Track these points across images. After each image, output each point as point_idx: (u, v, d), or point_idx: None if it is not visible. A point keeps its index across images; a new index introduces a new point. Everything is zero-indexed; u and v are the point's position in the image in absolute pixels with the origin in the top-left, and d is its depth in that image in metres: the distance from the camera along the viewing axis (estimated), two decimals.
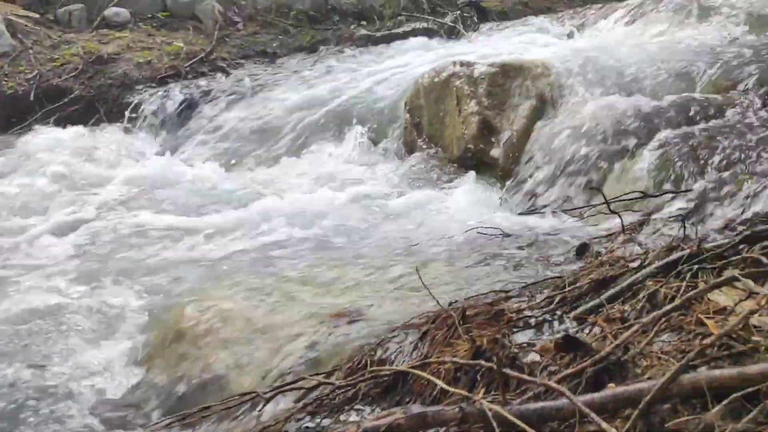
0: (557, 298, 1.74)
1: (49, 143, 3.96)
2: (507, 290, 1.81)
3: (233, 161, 3.81)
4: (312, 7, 6.25)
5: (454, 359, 1.32)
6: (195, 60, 5.27)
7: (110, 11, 5.83)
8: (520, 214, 2.65)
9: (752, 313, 1.27)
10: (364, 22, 6.29)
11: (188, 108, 4.48)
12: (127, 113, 4.65)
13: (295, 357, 1.72)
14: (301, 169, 3.56)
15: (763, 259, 1.35)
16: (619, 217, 1.94)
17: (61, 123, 4.54)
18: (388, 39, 5.84)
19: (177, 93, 4.64)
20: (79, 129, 4.35)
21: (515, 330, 1.59)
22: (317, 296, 1.90)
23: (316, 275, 2.06)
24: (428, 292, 1.66)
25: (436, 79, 3.74)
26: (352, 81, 4.60)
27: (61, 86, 4.87)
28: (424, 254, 2.18)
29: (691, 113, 2.88)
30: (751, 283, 1.27)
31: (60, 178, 3.41)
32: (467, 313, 1.63)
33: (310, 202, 2.76)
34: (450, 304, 1.72)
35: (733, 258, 1.52)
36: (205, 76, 5.17)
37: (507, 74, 3.56)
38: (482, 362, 1.24)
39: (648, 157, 2.62)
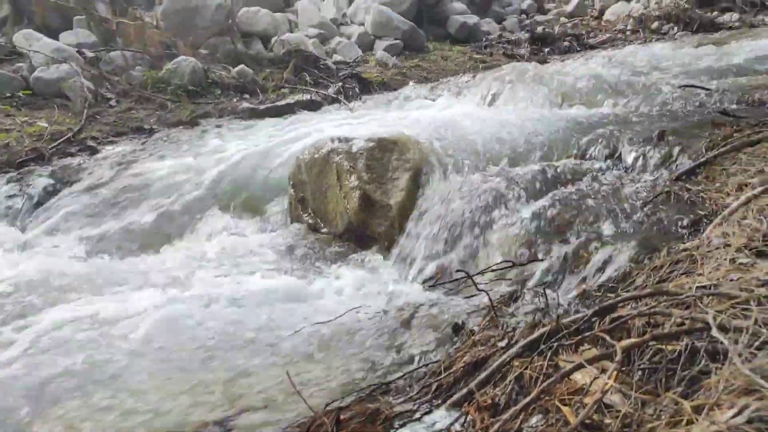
0: (433, 386, 1.74)
1: None
2: (384, 382, 1.77)
3: (96, 249, 3.50)
4: (191, 82, 6.16)
5: None
6: (61, 140, 4.93)
7: None
8: (402, 289, 2.66)
9: (604, 393, 1.32)
10: (247, 95, 6.30)
11: (48, 193, 4.13)
12: None
13: None
14: (167, 254, 3.36)
15: (607, 337, 1.43)
16: (487, 295, 2.00)
17: None
18: (272, 111, 5.87)
19: (37, 177, 4.27)
20: None
21: (392, 430, 1.55)
22: (175, 409, 1.73)
23: (174, 384, 1.88)
24: (300, 397, 1.57)
25: (316, 155, 3.76)
26: (232, 155, 4.52)
27: None
28: (301, 346, 2.09)
29: (551, 181, 3.11)
30: (594, 371, 1.33)
31: None
32: (342, 416, 1.56)
33: (175, 295, 2.55)
34: (326, 405, 1.64)
35: (587, 334, 1.61)
36: (72, 156, 4.84)
37: (384, 148, 3.67)
38: None
39: (516, 226, 2.77)
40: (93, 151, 4.93)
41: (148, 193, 4.22)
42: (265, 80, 6.61)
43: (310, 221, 3.78)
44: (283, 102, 6.10)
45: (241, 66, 6.51)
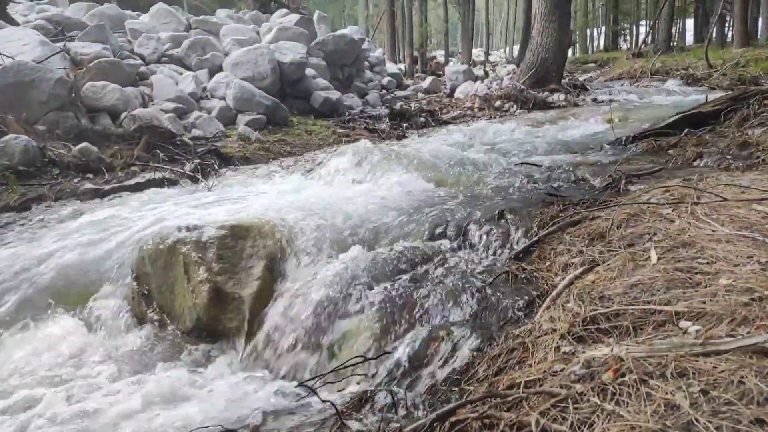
0: None
1: None
2: None
3: None
4: (23, 162, 5.54)
5: None
6: None
7: None
8: (253, 397, 2.47)
9: None
10: (90, 175, 5.79)
11: None
12: None
13: None
14: None
15: None
16: (333, 405, 1.91)
17: None
18: (119, 192, 5.44)
19: None
20: None
21: None
22: None
23: None
24: None
25: (161, 246, 3.50)
26: (64, 245, 4.05)
27: None
28: None
29: (404, 265, 3.16)
30: None
31: None
32: None
33: None
34: None
35: None
36: None
37: (237, 236, 3.52)
38: None
39: (370, 316, 2.74)
40: None
41: None
42: (112, 158, 6.16)
43: (155, 318, 3.45)
44: (132, 181, 5.70)
45: (85, 143, 6.02)
